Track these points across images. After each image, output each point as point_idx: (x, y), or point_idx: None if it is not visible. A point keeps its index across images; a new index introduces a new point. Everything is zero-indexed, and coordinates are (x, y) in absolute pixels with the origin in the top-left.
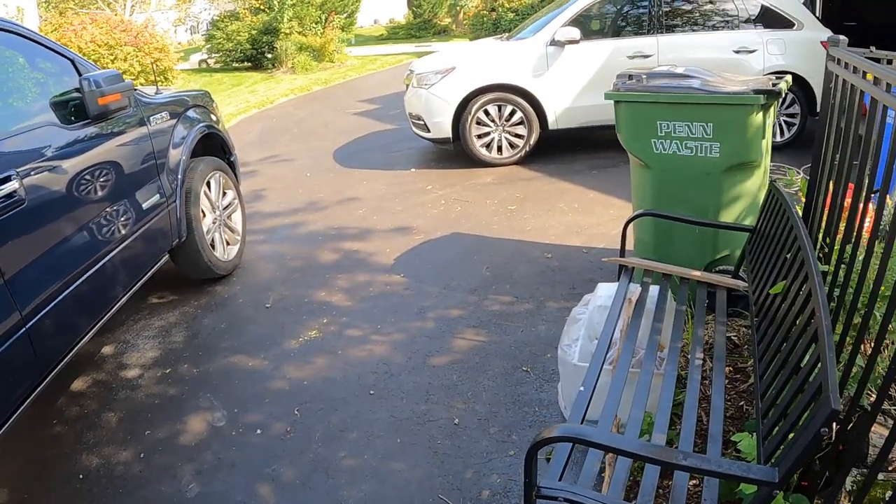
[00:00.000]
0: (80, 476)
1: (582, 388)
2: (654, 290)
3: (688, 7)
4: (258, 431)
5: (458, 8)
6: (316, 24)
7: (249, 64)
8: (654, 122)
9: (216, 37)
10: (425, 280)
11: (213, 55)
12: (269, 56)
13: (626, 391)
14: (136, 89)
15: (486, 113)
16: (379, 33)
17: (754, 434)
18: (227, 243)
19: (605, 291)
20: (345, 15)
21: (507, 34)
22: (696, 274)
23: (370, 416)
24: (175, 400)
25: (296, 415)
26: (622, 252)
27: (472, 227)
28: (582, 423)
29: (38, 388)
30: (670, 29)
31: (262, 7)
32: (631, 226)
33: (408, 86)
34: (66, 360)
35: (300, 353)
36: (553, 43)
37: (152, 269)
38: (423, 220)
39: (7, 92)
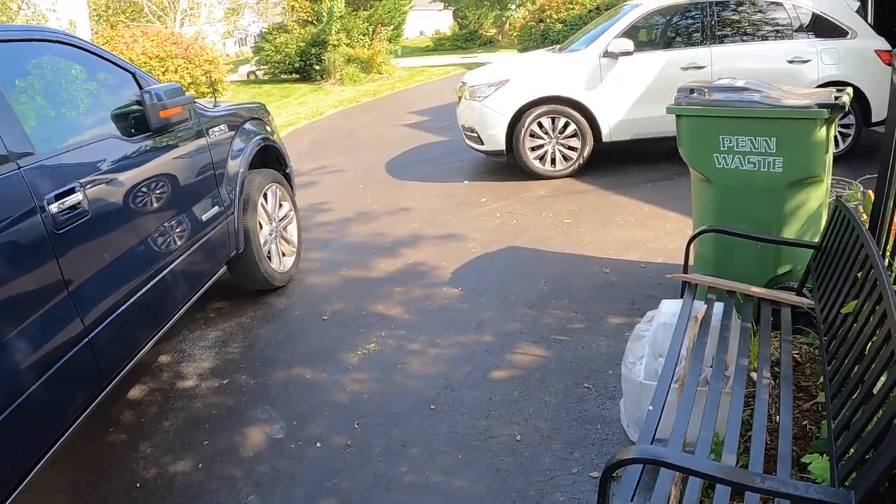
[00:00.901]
0: (138, 485)
1: (651, 408)
2: (718, 307)
3: (739, 17)
4: (318, 444)
5: (503, 19)
6: (363, 35)
7: (298, 76)
8: (717, 136)
9: (265, 49)
10: (483, 294)
11: (262, 67)
12: (318, 68)
13: (693, 410)
14: (195, 102)
15: (540, 125)
16: (425, 44)
17: (825, 455)
18: (283, 255)
19: (670, 308)
20: (392, 27)
21: (558, 46)
22: (761, 291)
23: (431, 431)
24: (233, 410)
25: (356, 428)
26: (685, 268)
27: (528, 240)
28: (651, 443)
29: (99, 397)
30: (722, 39)
31: (310, 19)
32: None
33: (460, 98)
34: (125, 369)
35: (359, 366)
36: (606, 55)
37: (210, 280)
38: (479, 232)
39: (70, 105)
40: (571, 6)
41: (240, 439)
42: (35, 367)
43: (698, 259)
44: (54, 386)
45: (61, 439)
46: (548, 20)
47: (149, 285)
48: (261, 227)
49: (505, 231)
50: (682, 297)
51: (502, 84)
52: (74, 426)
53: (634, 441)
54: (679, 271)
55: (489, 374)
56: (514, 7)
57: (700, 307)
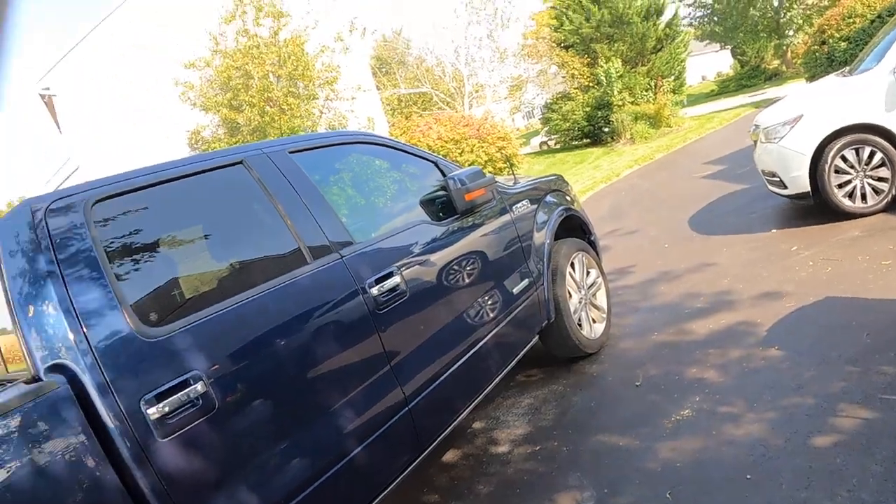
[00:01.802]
0: None
1: None
2: None
3: None
4: None
5: (784, 47)
6: (646, 91)
7: (588, 140)
8: None
9: (552, 118)
10: (801, 351)
11: (552, 136)
12: (606, 130)
13: None
14: (496, 181)
15: (844, 159)
16: (709, 89)
17: None
18: (594, 321)
19: None
20: (672, 77)
21: (847, 68)
22: None
23: (746, 502)
24: (544, 477)
25: (667, 498)
26: None
27: (846, 288)
28: None
29: (416, 461)
30: None
31: (590, 84)
32: None
33: (755, 142)
34: (442, 436)
35: (672, 432)
36: None
37: (523, 351)
38: (792, 284)
39: (381, 196)
40: (851, 20)
41: None
42: (361, 432)
43: None
44: (377, 449)
45: (379, 496)
46: (830, 41)
47: (464, 358)
48: (570, 295)
49: (819, 280)
50: None
51: (797, 121)
52: (392, 485)
53: None
54: None
55: (809, 440)
56: (791, 33)
57: None
